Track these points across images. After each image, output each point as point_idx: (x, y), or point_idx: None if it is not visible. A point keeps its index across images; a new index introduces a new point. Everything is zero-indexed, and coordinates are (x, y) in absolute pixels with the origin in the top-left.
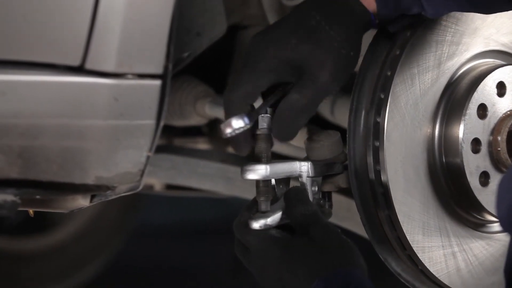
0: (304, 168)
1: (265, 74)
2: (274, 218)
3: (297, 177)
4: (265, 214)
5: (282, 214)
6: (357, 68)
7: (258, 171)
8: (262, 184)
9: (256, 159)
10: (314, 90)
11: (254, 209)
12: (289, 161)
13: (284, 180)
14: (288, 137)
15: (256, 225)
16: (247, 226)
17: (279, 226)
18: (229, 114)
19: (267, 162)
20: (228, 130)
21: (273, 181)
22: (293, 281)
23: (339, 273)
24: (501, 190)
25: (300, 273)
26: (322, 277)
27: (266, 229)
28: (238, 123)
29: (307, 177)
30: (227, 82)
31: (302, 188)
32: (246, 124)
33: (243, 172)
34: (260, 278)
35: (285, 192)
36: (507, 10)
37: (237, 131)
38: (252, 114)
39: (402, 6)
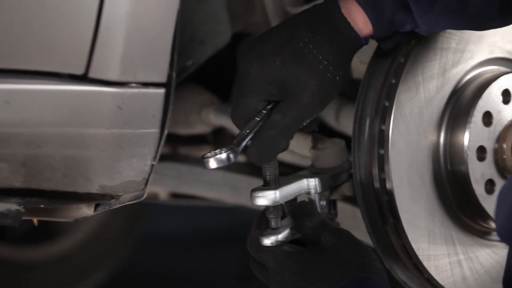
0: (312, 184)
1: (251, 95)
2: (284, 234)
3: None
4: (275, 230)
5: (292, 230)
6: (361, 76)
7: (268, 197)
8: None
9: (265, 183)
10: (295, 111)
11: (263, 226)
12: (296, 180)
13: None
14: (266, 159)
15: (268, 241)
16: (259, 243)
17: (291, 241)
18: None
19: (276, 186)
20: (213, 166)
21: None
22: None
23: (359, 281)
24: (500, 200)
25: (319, 284)
26: (342, 285)
27: (278, 245)
28: (222, 160)
29: (315, 193)
30: (231, 93)
31: (306, 202)
32: (230, 161)
33: (253, 198)
34: None
35: (291, 209)
36: (500, 27)
37: (221, 165)
38: (237, 150)
39: (396, 24)
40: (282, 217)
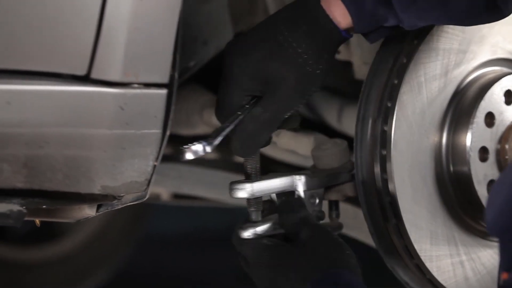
0: (299, 182)
1: (235, 92)
2: (263, 227)
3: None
4: (254, 223)
5: (275, 224)
6: (363, 77)
7: (246, 190)
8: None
9: (246, 177)
10: (275, 105)
11: (245, 220)
12: (282, 175)
13: (287, 193)
14: (248, 152)
15: (245, 233)
16: (239, 237)
17: (274, 235)
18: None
19: (256, 179)
20: (189, 157)
21: (273, 195)
22: (287, 286)
23: (329, 275)
24: (492, 194)
25: (292, 277)
26: (313, 279)
27: (257, 238)
28: (197, 151)
29: (304, 190)
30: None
31: (294, 198)
32: (206, 152)
33: (230, 190)
34: (260, 286)
35: (278, 204)
36: (486, 22)
37: (196, 156)
38: (212, 142)
39: (378, 19)
40: (273, 213)
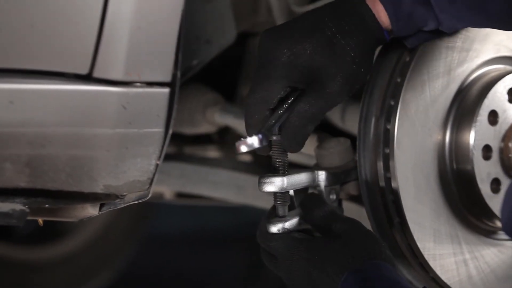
0: (321, 177)
1: (278, 80)
2: (292, 222)
3: (315, 187)
4: (283, 218)
5: (300, 220)
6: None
7: (276, 183)
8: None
9: (273, 170)
10: (322, 101)
11: (272, 216)
12: (306, 171)
13: (302, 190)
14: (297, 146)
15: (274, 228)
16: (268, 232)
17: (299, 230)
18: (247, 117)
19: (284, 173)
20: (244, 149)
21: (291, 191)
22: (322, 279)
23: (367, 266)
24: (507, 195)
25: (328, 269)
26: (351, 270)
27: (286, 232)
28: (253, 144)
29: (325, 186)
30: (238, 89)
31: (316, 194)
32: (262, 145)
33: (260, 184)
34: (290, 281)
35: (301, 200)
36: None
37: (251, 149)
38: (267, 134)
39: (416, 21)
40: (291, 209)
